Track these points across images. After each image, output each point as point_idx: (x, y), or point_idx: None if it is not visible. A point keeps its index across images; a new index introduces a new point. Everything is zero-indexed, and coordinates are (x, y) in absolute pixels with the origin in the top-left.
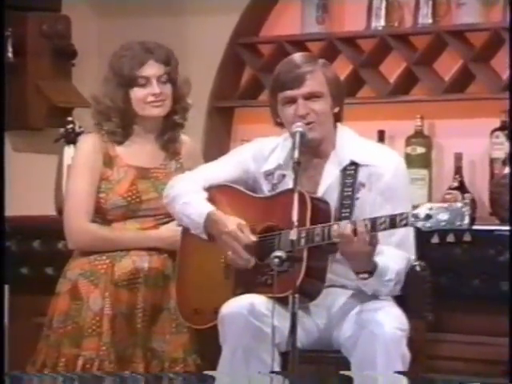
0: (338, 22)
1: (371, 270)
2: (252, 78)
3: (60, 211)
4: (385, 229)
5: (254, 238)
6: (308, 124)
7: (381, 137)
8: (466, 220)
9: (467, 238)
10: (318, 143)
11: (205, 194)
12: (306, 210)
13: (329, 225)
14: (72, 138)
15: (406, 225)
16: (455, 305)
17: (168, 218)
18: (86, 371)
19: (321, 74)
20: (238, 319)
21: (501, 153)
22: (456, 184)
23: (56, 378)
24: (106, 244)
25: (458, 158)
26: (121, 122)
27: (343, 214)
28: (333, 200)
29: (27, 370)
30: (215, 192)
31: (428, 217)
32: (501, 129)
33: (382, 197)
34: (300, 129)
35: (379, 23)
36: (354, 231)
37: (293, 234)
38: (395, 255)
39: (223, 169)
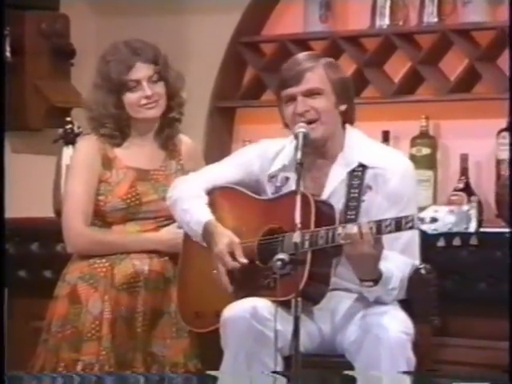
0: (342, 20)
1: (376, 278)
2: (254, 77)
3: (58, 213)
4: (390, 231)
5: (242, 261)
6: (310, 123)
7: (385, 137)
8: (473, 223)
9: (473, 241)
10: (321, 143)
11: (205, 199)
12: (309, 212)
13: (333, 227)
14: (71, 139)
15: (411, 227)
16: (461, 308)
17: (168, 220)
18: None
19: (321, 71)
20: (241, 323)
21: (507, 154)
22: (462, 185)
23: (56, 378)
24: (106, 247)
25: (464, 159)
26: (116, 127)
27: (349, 216)
28: (338, 202)
29: None
30: (218, 194)
31: (434, 220)
32: (507, 129)
33: (388, 201)
34: (303, 129)
35: (384, 22)
36: (360, 234)
37: (296, 237)
38: (400, 262)
39: (227, 170)
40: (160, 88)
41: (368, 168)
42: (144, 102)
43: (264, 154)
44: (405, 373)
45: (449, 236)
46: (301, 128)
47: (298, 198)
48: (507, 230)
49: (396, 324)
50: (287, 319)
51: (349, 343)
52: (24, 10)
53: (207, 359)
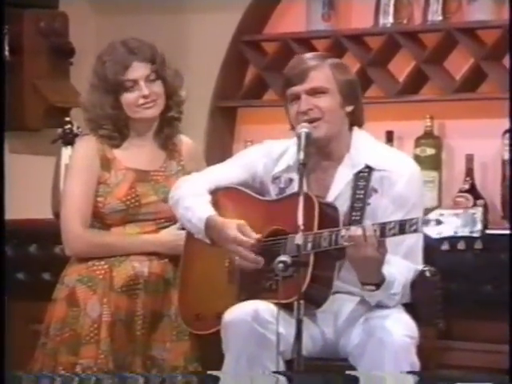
0: (345, 18)
1: (379, 282)
2: (256, 76)
3: (57, 214)
4: (394, 234)
5: (256, 236)
6: (312, 122)
7: (389, 138)
8: (478, 227)
9: (478, 245)
10: (325, 143)
11: (208, 197)
12: (313, 214)
13: (337, 229)
14: (70, 139)
15: (415, 231)
16: (466, 311)
17: (168, 221)
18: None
19: (327, 70)
20: (242, 326)
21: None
22: (467, 187)
23: (55, 378)
24: (105, 250)
25: (469, 159)
26: (114, 127)
27: (354, 218)
28: (343, 205)
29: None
30: (221, 194)
31: (439, 223)
32: (510, 130)
33: (393, 204)
34: (305, 129)
35: (387, 20)
36: (364, 236)
37: (298, 239)
38: (403, 267)
39: (230, 171)
40: (158, 87)
41: (374, 170)
42: (142, 101)
43: (268, 154)
44: (409, 373)
45: (453, 240)
46: (303, 128)
47: (301, 199)
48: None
49: (400, 327)
50: (289, 322)
51: (352, 347)
52: (22, 9)
53: (208, 363)
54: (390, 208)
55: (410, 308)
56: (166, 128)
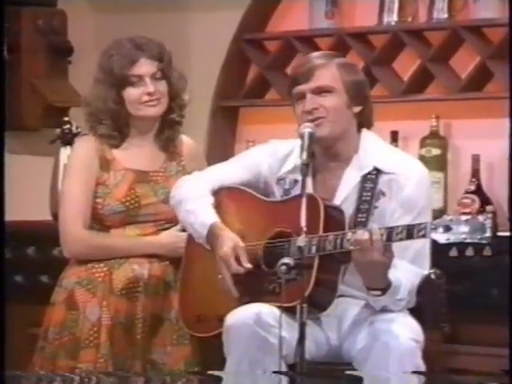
0: (349, 16)
1: (384, 287)
2: (258, 75)
3: (55, 216)
4: (401, 239)
5: (247, 266)
6: (315, 120)
7: (394, 138)
8: (488, 233)
9: (487, 252)
10: (330, 143)
11: (210, 199)
12: (318, 217)
13: (342, 233)
14: (68, 139)
15: (423, 236)
16: (472, 315)
17: (169, 223)
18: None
19: (334, 69)
20: (244, 330)
21: None
22: (473, 188)
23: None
24: (104, 252)
25: (476, 160)
26: (114, 124)
27: (359, 219)
28: (350, 207)
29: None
30: (225, 195)
31: (447, 228)
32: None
33: (402, 208)
34: (308, 129)
35: (392, 18)
36: (370, 240)
37: (300, 241)
38: (409, 272)
39: (233, 171)
40: (162, 86)
41: (383, 173)
42: (146, 98)
43: (273, 154)
44: (414, 373)
45: (461, 245)
46: (306, 128)
47: (304, 201)
48: None
49: (406, 331)
50: (293, 326)
51: (357, 351)
52: (20, 6)
53: (209, 367)
54: (398, 211)
55: (415, 311)
56: (167, 130)
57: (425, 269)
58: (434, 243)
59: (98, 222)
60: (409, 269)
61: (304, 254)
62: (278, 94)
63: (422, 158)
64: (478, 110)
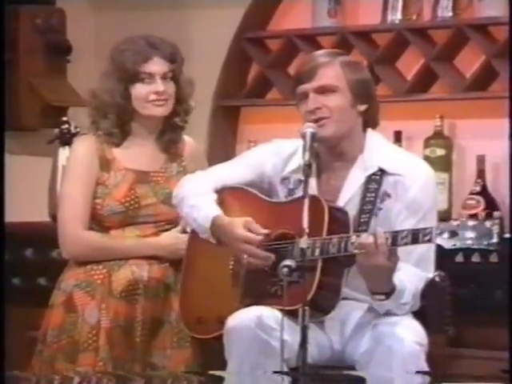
0: (352, 15)
1: (388, 291)
2: (259, 75)
3: (54, 217)
4: (406, 244)
5: (264, 231)
6: (318, 120)
7: (398, 138)
8: (495, 239)
9: (494, 258)
10: (334, 142)
11: (214, 196)
12: (322, 219)
13: (347, 236)
14: (67, 139)
15: (429, 241)
16: (477, 318)
17: (169, 224)
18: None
19: (337, 68)
20: (245, 332)
21: None
22: (478, 188)
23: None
24: (103, 253)
25: (481, 160)
26: (118, 120)
27: (362, 220)
28: (354, 208)
29: None
30: (227, 195)
31: (453, 234)
32: None
33: (407, 209)
34: (310, 129)
35: (396, 16)
36: (375, 244)
37: (303, 243)
38: (413, 275)
39: (236, 170)
40: (171, 88)
41: (387, 174)
42: (153, 97)
43: (277, 154)
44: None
45: (468, 251)
46: (308, 128)
47: (306, 201)
48: None
49: (410, 334)
50: (294, 329)
51: (360, 354)
52: (18, 5)
53: (210, 370)
54: (403, 213)
55: (419, 314)
56: (169, 133)
57: (429, 272)
58: (440, 248)
59: (98, 222)
60: (413, 272)
61: (306, 257)
62: (280, 94)
63: (426, 159)
64: (483, 109)
